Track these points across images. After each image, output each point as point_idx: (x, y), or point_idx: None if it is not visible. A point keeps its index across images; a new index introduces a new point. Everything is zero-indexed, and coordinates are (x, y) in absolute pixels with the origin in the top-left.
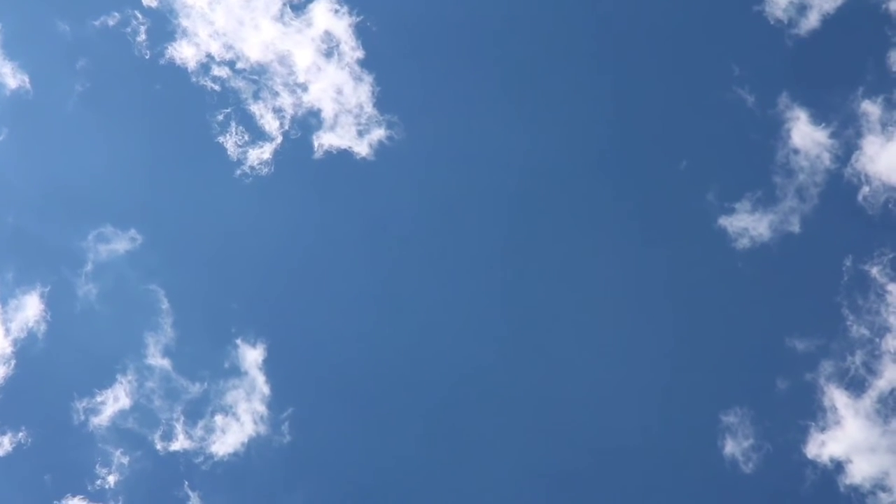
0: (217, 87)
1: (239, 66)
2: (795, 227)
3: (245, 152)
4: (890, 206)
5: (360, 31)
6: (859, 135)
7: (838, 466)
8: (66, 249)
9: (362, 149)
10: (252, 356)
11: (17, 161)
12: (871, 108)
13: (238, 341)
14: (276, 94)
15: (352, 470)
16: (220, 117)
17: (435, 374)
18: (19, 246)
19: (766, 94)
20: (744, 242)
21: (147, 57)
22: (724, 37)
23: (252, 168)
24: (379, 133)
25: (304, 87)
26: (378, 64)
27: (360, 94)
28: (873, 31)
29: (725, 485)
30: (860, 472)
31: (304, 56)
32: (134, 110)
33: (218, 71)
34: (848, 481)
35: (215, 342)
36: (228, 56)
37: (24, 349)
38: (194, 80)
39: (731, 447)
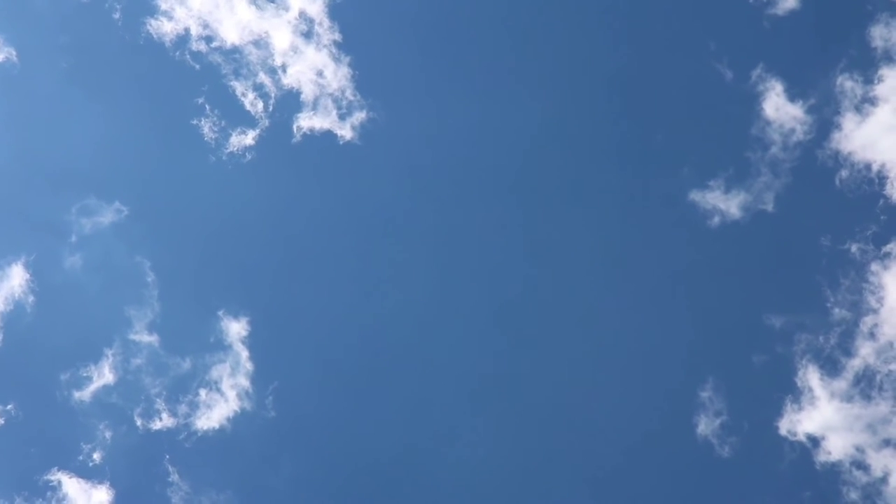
0: (198, 67)
1: (220, 48)
2: (770, 206)
3: (228, 130)
4: (865, 185)
5: (336, 14)
6: (837, 112)
7: (814, 445)
8: (51, 221)
9: (343, 130)
10: (235, 329)
11: (3, 134)
12: (850, 84)
13: (221, 314)
14: (257, 76)
15: (336, 445)
16: (202, 99)
17: (417, 350)
18: (4, 218)
19: (745, 70)
20: (720, 219)
21: (129, 34)
22: (703, 14)
23: (236, 149)
24: (360, 115)
25: (284, 70)
26: (356, 46)
27: (340, 76)
28: (855, 6)
29: (701, 462)
30: (836, 451)
31: (282, 39)
32: (119, 86)
33: (198, 51)
34: (823, 459)
35: (200, 315)
36: (208, 38)
37: (12, 322)
38: (174, 60)
39: (705, 425)
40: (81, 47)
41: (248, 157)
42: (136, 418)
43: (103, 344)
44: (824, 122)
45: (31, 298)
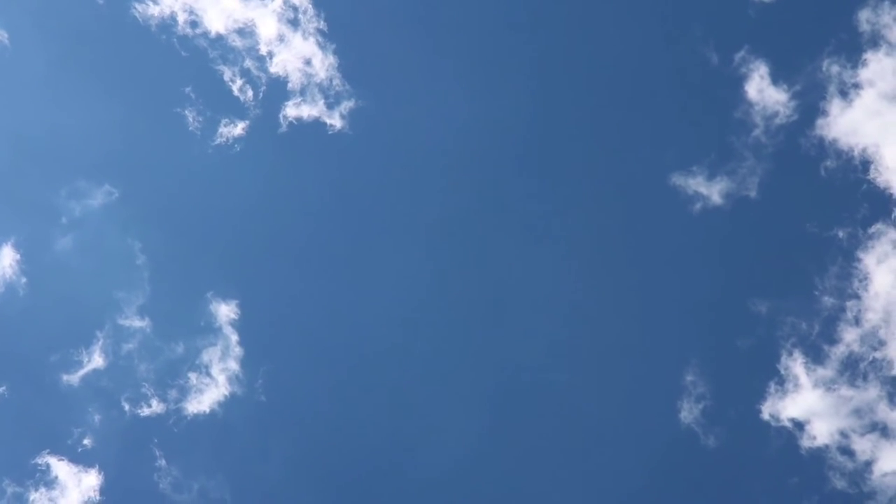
0: (184, 53)
1: (206, 35)
2: (753, 192)
3: (217, 116)
4: (850, 170)
5: (320, 1)
6: (823, 96)
7: (799, 430)
8: (41, 203)
9: (332, 119)
10: (224, 311)
11: None
12: (836, 69)
13: (210, 295)
14: (244, 65)
15: (326, 429)
16: (190, 87)
17: (407, 335)
18: None
19: (730, 53)
20: (705, 205)
21: (116, 17)
22: None
23: (225, 136)
24: (348, 104)
25: (270, 58)
26: (342, 34)
27: (328, 64)
28: None
29: (684, 448)
30: (821, 435)
31: (268, 27)
32: (108, 70)
33: (184, 36)
34: (808, 445)
35: (190, 298)
36: (193, 23)
37: (4, 304)
38: (161, 45)
39: (688, 410)
40: (72, 30)
41: (238, 142)
42: (126, 403)
43: (95, 327)
44: (809, 106)
45: (23, 280)
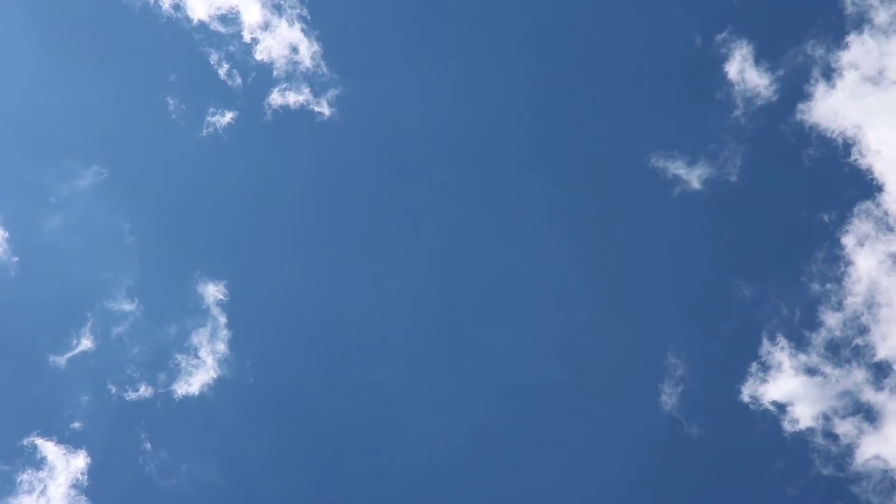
0: (172, 39)
1: (191, 20)
2: (734, 176)
3: (205, 99)
4: (831, 152)
5: None
6: (806, 78)
7: (782, 414)
8: (29, 182)
9: (319, 106)
10: (212, 291)
11: None
12: (820, 51)
13: (197, 274)
14: (231, 52)
15: (314, 411)
16: (176, 75)
17: (394, 318)
18: None
19: (713, 35)
20: (686, 188)
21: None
22: None
23: (214, 121)
24: (334, 91)
25: (255, 45)
26: (328, 21)
27: (314, 52)
28: None
29: (667, 433)
30: (804, 419)
31: (252, 14)
32: (96, 52)
33: (169, 21)
34: (791, 429)
35: (179, 280)
36: (176, 6)
37: None
38: (149, 30)
39: (668, 395)
40: (60, 11)
41: (227, 125)
42: (115, 385)
43: (85, 308)
44: (792, 88)
45: (14, 259)
